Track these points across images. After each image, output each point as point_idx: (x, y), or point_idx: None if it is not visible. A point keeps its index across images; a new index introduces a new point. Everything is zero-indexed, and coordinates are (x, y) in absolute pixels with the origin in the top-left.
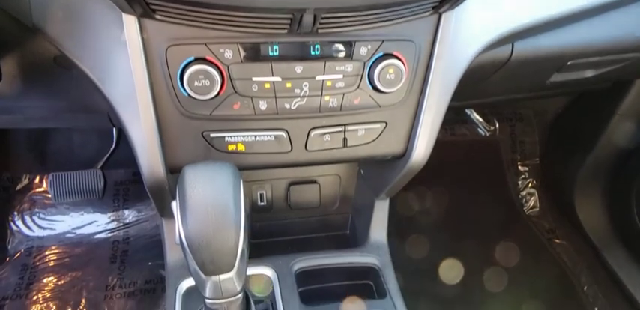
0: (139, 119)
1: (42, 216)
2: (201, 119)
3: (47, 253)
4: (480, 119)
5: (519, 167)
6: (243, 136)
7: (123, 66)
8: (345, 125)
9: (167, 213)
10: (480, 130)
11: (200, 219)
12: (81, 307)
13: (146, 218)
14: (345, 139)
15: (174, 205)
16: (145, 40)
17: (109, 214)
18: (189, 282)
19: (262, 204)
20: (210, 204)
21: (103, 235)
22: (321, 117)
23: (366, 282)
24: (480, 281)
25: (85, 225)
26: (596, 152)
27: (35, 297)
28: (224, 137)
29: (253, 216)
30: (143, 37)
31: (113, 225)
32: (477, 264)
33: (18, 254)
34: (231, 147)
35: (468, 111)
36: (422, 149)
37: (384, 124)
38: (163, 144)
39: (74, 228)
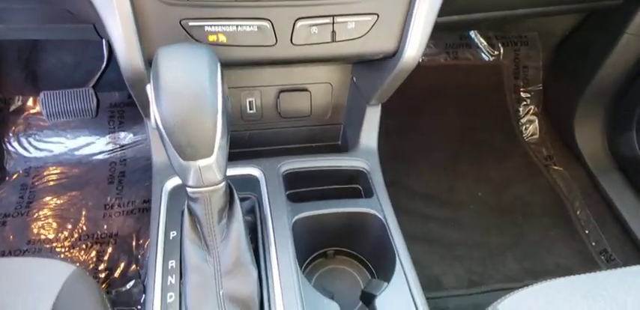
0: (114, 7)
1: (38, 137)
2: (179, 5)
3: (45, 174)
4: (484, 43)
5: (521, 93)
6: (225, 26)
7: None
8: (333, 16)
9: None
10: (483, 55)
11: (174, 100)
12: (80, 224)
13: (142, 140)
14: (333, 32)
15: (149, 88)
16: None
17: (106, 136)
18: (174, 181)
19: (252, 111)
20: (184, 83)
21: (100, 157)
22: (307, 6)
23: (354, 186)
24: (472, 203)
25: (81, 147)
26: (599, 76)
27: (36, 215)
28: (203, 26)
29: (242, 125)
30: None
31: (110, 146)
32: (471, 187)
33: (16, 175)
34: (211, 38)
35: (472, 34)
36: (414, 47)
37: (376, 17)
38: (140, 33)
39: (71, 150)
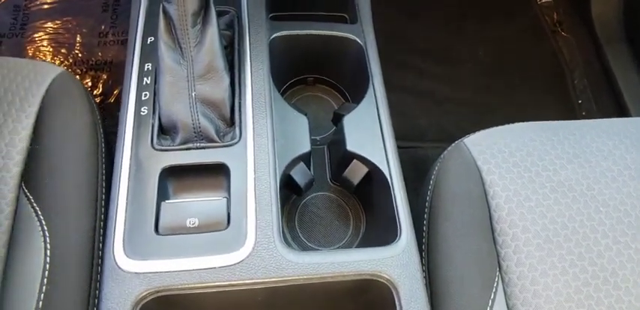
0: None
1: None
2: None
3: None
4: None
5: None
6: None
7: None
8: None
9: None
10: None
11: None
12: (76, 50)
13: None
14: None
15: None
16: None
17: None
18: None
19: None
20: None
21: None
22: None
23: (341, 15)
24: (470, 61)
25: None
26: None
27: (30, 37)
28: None
29: None
30: None
31: None
32: (473, 45)
33: None
34: None
35: None
36: None
37: None
38: None
39: None
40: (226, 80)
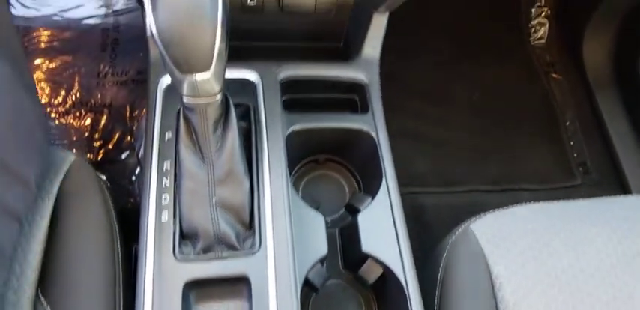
0: None
1: None
2: None
3: (35, 35)
4: None
5: None
6: None
7: None
8: None
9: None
10: None
11: (172, 12)
12: (74, 91)
13: (136, 7)
14: None
15: None
16: None
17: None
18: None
19: (252, 3)
20: None
21: (91, 21)
22: None
23: (350, 97)
24: (465, 103)
25: (71, 9)
26: None
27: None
28: None
29: (242, 17)
30: None
31: (102, 11)
32: (468, 87)
33: None
34: None
35: None
36: None
37: None
38: None
39: (60, 11)
40: (246, 184)
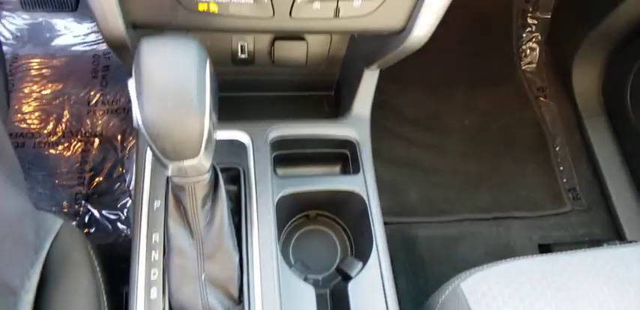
0: None
1: (12, 20)
2: None
3: (23, 62)
4: None
5: (528, 19)
6: None
7: None
8: None
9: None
10: None
11: (158, 106)
12: (64, 120)
13: None
14: (337, 9)
15: (131, 84)
16: None
17: (86, 25)
18: None
19: (243, 56)
20: (169, 88)
21: (81, 48)
22: None
23: (341, 151)
24: (456, 130)
25: (60, 35)
26: (612, 17)
27: (17, 107)
28: None
29: (233, 70)
30: None
31: (92, 37)
32: (459, 113)
33: None
34: (202, 7)
35: None
36: (425, 25)
37: None
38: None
39: (50, 38)
40: (235, 259)
